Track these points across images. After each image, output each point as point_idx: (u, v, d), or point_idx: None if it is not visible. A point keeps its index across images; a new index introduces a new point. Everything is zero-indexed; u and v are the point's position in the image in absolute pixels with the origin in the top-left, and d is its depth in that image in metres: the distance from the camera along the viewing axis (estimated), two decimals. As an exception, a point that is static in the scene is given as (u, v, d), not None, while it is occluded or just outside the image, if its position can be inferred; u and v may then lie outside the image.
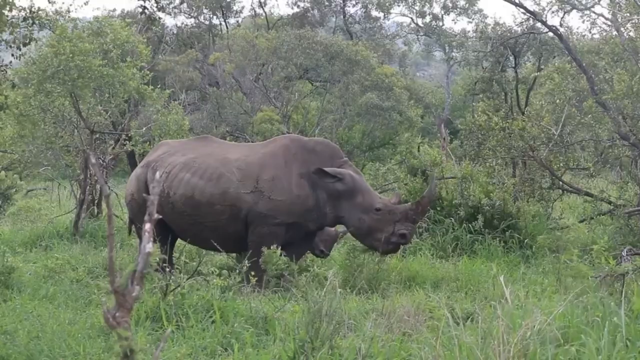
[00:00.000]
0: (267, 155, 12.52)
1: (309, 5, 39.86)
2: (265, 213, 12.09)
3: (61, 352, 8.05)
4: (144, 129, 17.87)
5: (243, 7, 46.97)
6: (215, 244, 11.67)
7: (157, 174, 5.60)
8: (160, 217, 5.55)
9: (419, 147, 23.45)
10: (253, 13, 41.08)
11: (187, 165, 12.56)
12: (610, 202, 15.17)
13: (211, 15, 40.16)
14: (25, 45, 12.06)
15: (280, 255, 11.41)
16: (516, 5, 17.94)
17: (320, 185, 12.17)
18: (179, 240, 12.98)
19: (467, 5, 38.97)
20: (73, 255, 13.71)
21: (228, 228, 12.28)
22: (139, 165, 13.50)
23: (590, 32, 30.88)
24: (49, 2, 15.42)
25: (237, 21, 41.27)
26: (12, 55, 12.05)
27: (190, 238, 12.62)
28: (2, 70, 12.19)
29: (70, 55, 15.87)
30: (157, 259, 9.93)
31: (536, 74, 30.42)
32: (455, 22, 78.86)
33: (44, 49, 16.49)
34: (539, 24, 21.31)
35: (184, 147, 13.24)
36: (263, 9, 40.57)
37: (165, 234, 12.31)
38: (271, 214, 12.08)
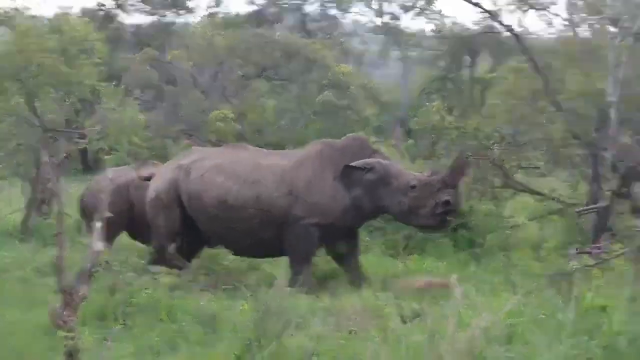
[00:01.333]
0: (301, 160, 12.61)
1: (265, 2, 39.76)
2: (300, 215, 12.14)
3: (5, 351, 7.95)
4: (98, 126, 17.69)
5: (197, 6, 46.75)
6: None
7: (110, 173, 5.55)
8: (111, 215, 5.50)
9: (373, 146, 23.39)
10: (209, 11, 40.93)
11: (221, 169, 12.58)
12: (560, 201, 15.25)
13: (166, 13, 40.00)
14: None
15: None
16: (473, 4, 17.96)
17: (354, 182, 12.18)
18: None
19: (425, 4, 39.05)
20: (21, 254, 13.57)
21: (261, 233, 12.32)
22: (168, 167, 13.42)
23: (547, 32, 31.09)
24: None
25: (190, 19, 41.14)
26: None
27: (221, 242, 12.59)
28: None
29: (33, 52, 15.71)
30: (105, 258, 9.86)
31: (494, 74, 30.68)
32: (413, 21, 78.93)
33: (2, 47, 16.32)
34: (496, 24, 21.37)
35: (217, 153, 13.40)
36: (219, 7, 40.43)
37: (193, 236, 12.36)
38: (306, 215, 12.12)
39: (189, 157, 13.41)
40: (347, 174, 12.18)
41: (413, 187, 12.05)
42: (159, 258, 12.49)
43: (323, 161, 12.50)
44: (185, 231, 12.82)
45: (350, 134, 13.83)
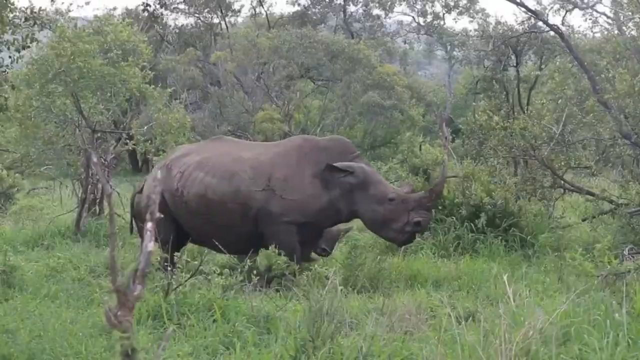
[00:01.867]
0: (280, 154, 12.53)
1: (309, 3, 39.84)
2: (276, 212, 12.08)
3: (63, 351, 8.04)
4: (145, 128, 17.85)
5: (242, 6, 46.90)
6: (218, 244, 11.71)
7: (159, 173, 5.60)
8: (162, 216, 5.56)
9: (420, 146, 23.39)
10: (253, 12, 41.09)
11: (200, 164, 12.57)
12: (611, 202, 15.13)
13: (211, 14, 40.17)
14: (24, 48, 12.04)
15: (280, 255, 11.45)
16: (517, 4, 17.90)
17: (333, 182, 12.17)
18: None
19: (468, 4, 38.94)
20: (75, 255, 13.72)
21: (240, 228, 12.26)
22: (156, 167, 13.49)
23: (592, 31, 30.96)
24: (51, 1, 15.44)
25: (233, 20, 41.28)
26: (10, 57, 12.01)
27: (203, 238, 12.60)
28: (2, 72, 12.17)
29: (72, 56, 15.85)
30: (159, 258, 9.96)
31: (537, 73, 30.49)
32: (456, 21, 78.83)
33: (45, 50, 16.48)
34: (540, 23, 21.30)
35: (199, 148, 13.32)
36: (263, 8, 40.57)
37: (172, 233, 12.30)
38: (283, 212, 12.07)
39: (172, 154, 13.43)
40: (328, 174, 12.16)
41: (391, 199, 12.09)
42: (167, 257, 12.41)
43: (302, 157, 12.43)
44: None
45: (335, 135, 13.86)
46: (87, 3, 24.82)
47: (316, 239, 12.71)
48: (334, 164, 12.12)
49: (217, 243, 11.85)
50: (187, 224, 12.67)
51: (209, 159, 12.59)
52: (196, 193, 12.38)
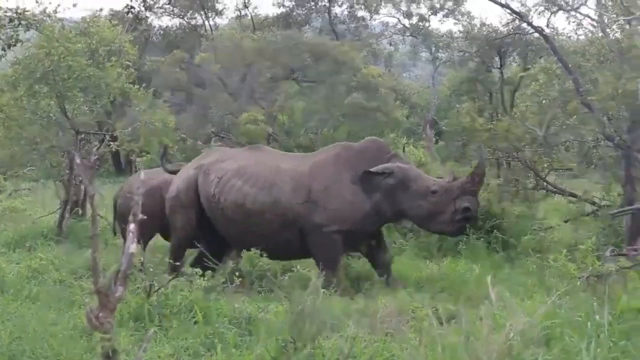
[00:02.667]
0: (318, 164, 12.57)
1: (294, 4, 39.77)
2: (320, 222, 12.09)
3: (43, 352, 8.02)
4: (130, 128, 17.80)
5: (225, 7, 46.87)
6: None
7: (143, 175, 5.57)
8: (145, 217, 5.55)
9: (404, 148, 23.38)
10: (238, 14, 40.99)
11: (239, 173, 12.58)
12: (594, 203, 15.18)
13: (195, 16, 40.10)
14: (10, 47, 12.00)
15: None
16: (502, 5, 17.92)
17: (373, 186, 12.17)
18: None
19: (454, 6, 38.94)
20: (57, 256, 13.63)
21: (278, 237, 12.32)
22: (190, 167, 13.46)
23: (576, 33, 31.02)
24: (36, 2, 15.37)
25: (217, 21, 41.23)
26: (-6, 55, 11.98)
27: (239, 245, 12.63)
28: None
29: (62, 56, 15.80)
30: (141, 259, 9.94)
31: (522, 74, 30.56)
32: (441, 23, 78.73)
33: (31, 49, 16.41)
34: (525, 25, 21.34)
35: (237, 155, 13.34)
36: (248, 10, 40.47)
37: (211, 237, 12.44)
38: (326, 223, 12.08)
39: (209, 157, 13.45)
40: (367, 179, 12.16)
41: (434, 192, 12.07)
42: (177, 256, 12.50)
43: (340, 165, 12.46)
44: (205, 233, 12.87)
45: (369, 137, 13.84)
46: (74, 5, 24.68)
47: (364, 242, 12.64)
48: (369, 169, 12.13)
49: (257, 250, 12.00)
50: (222, 229, 12.81)
51: (247, 168, 12.63)
52: (233, 201, 12.44)
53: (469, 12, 36.67)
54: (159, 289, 9.39)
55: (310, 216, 12.14)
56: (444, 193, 12.03)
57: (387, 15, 40.71)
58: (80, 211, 17.50)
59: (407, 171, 12.28)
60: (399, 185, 12.14)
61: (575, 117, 15.72)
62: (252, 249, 12.03)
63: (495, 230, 14.45)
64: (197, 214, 12.89)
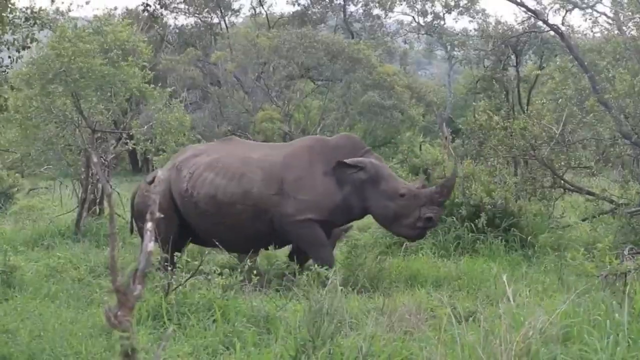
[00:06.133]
0: (291, 155, 12.54)
1: (309, 3, 39.84)
2: (290, 212, 12.08)
3: (63, 351, 8.03)
4: (145, 127, 17.85)
5: (242, 6, 46.97)
6: (214, 244, 11.73)
7: (160, 173, 5.59)
8: (162, 216, 5.56)
9: (420, 146, 23.39)
10: (253, 12, 41.08)
11: (210, 165, 12.58)
12: (612, 201, 15.13)
13: (211, 14, 40.16)
14: (24, 48, 12.02)
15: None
16: (517, 4, 17.89)
17: (345, 179, 12.15)
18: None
19: (469, 4, 38.92)
20: (75, 254, 13.71)
21: (249, 229, 12.28)
22: (165, 168, 13.46)
23: (592, 31, 30.94)
24: (51, 1, 15.41)
25: (233, 20, 41.26)
26: (9, 57, 11.99)
27: (212, 238, 12.59)
28: (2, 72, 12.16)
29: (72, 57, 15.84)
30: (159, 258, 9.97)
31: (537, 72, 30.50)
32: (456, 21, 78.84)
33: (45, 50, 16.46)
34: (540, 23, 21.28)
35: (209, 149, 13.31)
36: (263, 8, 40.56)
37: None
38: (297, 212, 12.06)
39: (182, 154, 13.43)
40: (339, 171, 12.15)
41: (402, 195, 12.04)
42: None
43: (313, 157, 12.42)
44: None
45: (344, 133, 13.85)
46: (87, 3, 24.81)
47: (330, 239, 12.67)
48: (344, 160, 12.12)
49: (221, 243, 11.97)
50: (195, 224, 12.70)
51: (219, 160, 12.61)
52: (206, 194, 12.41)
53: (483, 10, 36.74)
54: (177, 287, 9.41)
55: (282, 206, 12.10)
56: (412, 198, 12.03)
57: (402, 14, 40.77)
58: (97, 210, 17.54)
59: (380, 169, 12.29)
60: (370, 181, 12.13)
61: (592, 115, 15.69)
62: (222, 239, 12.08)
63: (512, 229, 14.40)
64: (177, 215, 12.75)
